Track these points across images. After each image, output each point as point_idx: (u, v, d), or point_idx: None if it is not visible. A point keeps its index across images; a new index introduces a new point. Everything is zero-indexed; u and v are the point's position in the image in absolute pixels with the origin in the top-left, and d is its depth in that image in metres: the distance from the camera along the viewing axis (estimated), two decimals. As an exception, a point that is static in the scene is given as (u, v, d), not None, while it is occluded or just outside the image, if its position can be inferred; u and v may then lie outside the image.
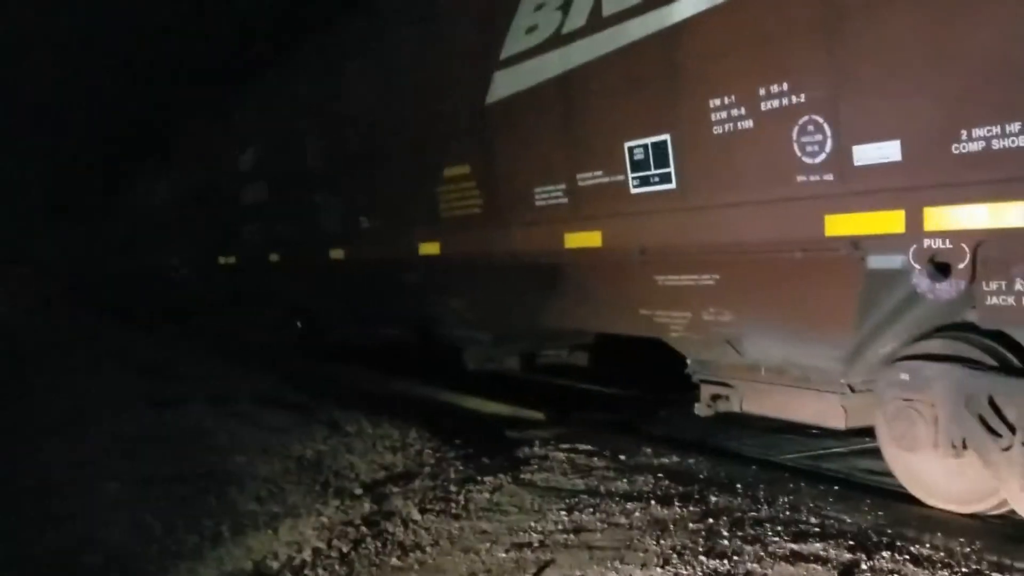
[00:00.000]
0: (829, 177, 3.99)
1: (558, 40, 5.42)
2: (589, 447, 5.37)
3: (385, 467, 5.15)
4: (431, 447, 5.54)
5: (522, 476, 4.81)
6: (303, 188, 9.91)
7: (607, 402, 7.35)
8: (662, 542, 3.70)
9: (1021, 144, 3.32)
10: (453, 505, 4.34)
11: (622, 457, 5.15)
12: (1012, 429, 3.63)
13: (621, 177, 5.10)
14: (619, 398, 7.40)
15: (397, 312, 8.63)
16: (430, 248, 7.30)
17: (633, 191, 5.05)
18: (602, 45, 5.09)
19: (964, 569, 3.32)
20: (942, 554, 3.46)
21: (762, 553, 3.54)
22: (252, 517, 4.33)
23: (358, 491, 4.63)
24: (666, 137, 4.77)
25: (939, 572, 3.30)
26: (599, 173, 5.28)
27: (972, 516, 3.94)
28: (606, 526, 3.96)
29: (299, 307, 11.32)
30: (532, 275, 6.28)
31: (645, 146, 4.90)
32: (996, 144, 3.39)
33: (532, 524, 4.01)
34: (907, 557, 3.44)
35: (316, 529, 4.10)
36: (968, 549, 3.50)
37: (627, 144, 5.01)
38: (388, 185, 7.96)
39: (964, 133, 3.48)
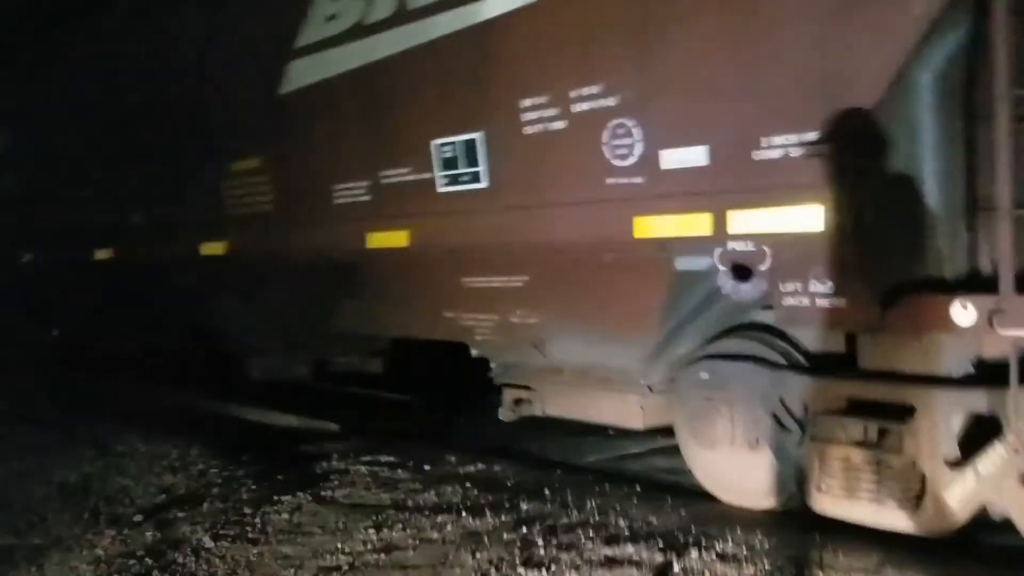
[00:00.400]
0: (638, 180, 4.03)
1: (361, 30, 5.17)
2: (392, 459, 5.15)
3: (165, 490, 4.69)
4: (216, 465, 5.12)
5: (322, 493, 4.52)
6: (66, 178, 8.94)
7: (405, 410, 7.14)
8: (478, 555, 3.56)
9: (816, 152, 3.48)
10: (249, 529, 3.98)
11: (427, 467, 4.98)
12: (802, 425, 3.81)
13: (429, 175, 4.93)
14: (418, 406, 7.20)
15: (174, 319, 7.95)
16: (214, 248, 6.78)
17: (442, 190, 4.89)
18: (408, 38, 4.90)
19: (766, 564, 3.41)
20: (745, 551, 3.54)
21: (578, 560, 3.49)
22: (9, 553, 3.77)
23: (137, 518, 4.17)
24: (477, 136, 4.65)
25: (745, 568, 3.38)
26: (405, 170, 5.09)
27: (768, 511, 4.08)
28: (418, 542, 3.77)
29: (58, 314, 10.22)
30: (328, 277, 5.96)
31: (455, 144, 4.76)
32: (794, 152, 3.54)
33: (339, 545, 3.74)
34: (714, 555, 3.50)
35: (91, 563, 3.62)
36: (768, 544, 3.61)
37: (436, 141, 4.85)
38: (167, 178, 7.32)
39: (765, 140, 3.60)
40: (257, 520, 4.08)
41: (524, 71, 4.39)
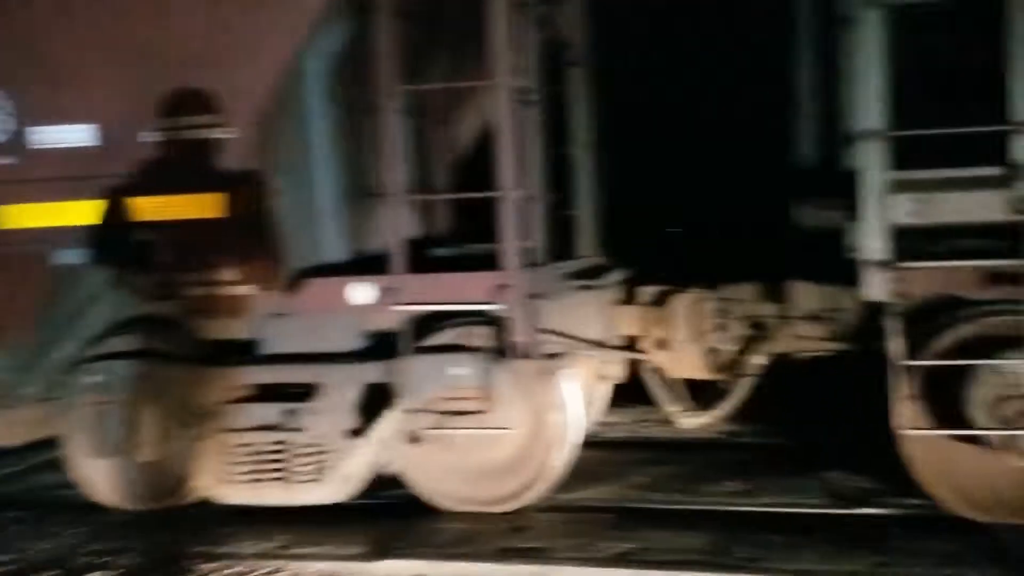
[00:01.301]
0: (8, 161, 3.59)
1: None
2: None
3: None
4: None
5: None
6: None
7: None
8: None
9: (211, 137, 3.44)
10: None
11: None
12: (206, 417, 3.73)
13: None
14: None
15: None
16: None
17: None
18: None
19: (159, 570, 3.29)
20: (139, 558, 3.35)
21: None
22: None
23: None
24: None
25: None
26: None
27: (174, 509, 3.88)
28: None
29: None
30: None
31: None
32: (186, 136, 3.46)
33: None
34: (114, 571, 3.27)
35: None
36: (166, 545, 3.47)
37: None
38: None
39: (154, 122, 3.48)
40: None
41: None
